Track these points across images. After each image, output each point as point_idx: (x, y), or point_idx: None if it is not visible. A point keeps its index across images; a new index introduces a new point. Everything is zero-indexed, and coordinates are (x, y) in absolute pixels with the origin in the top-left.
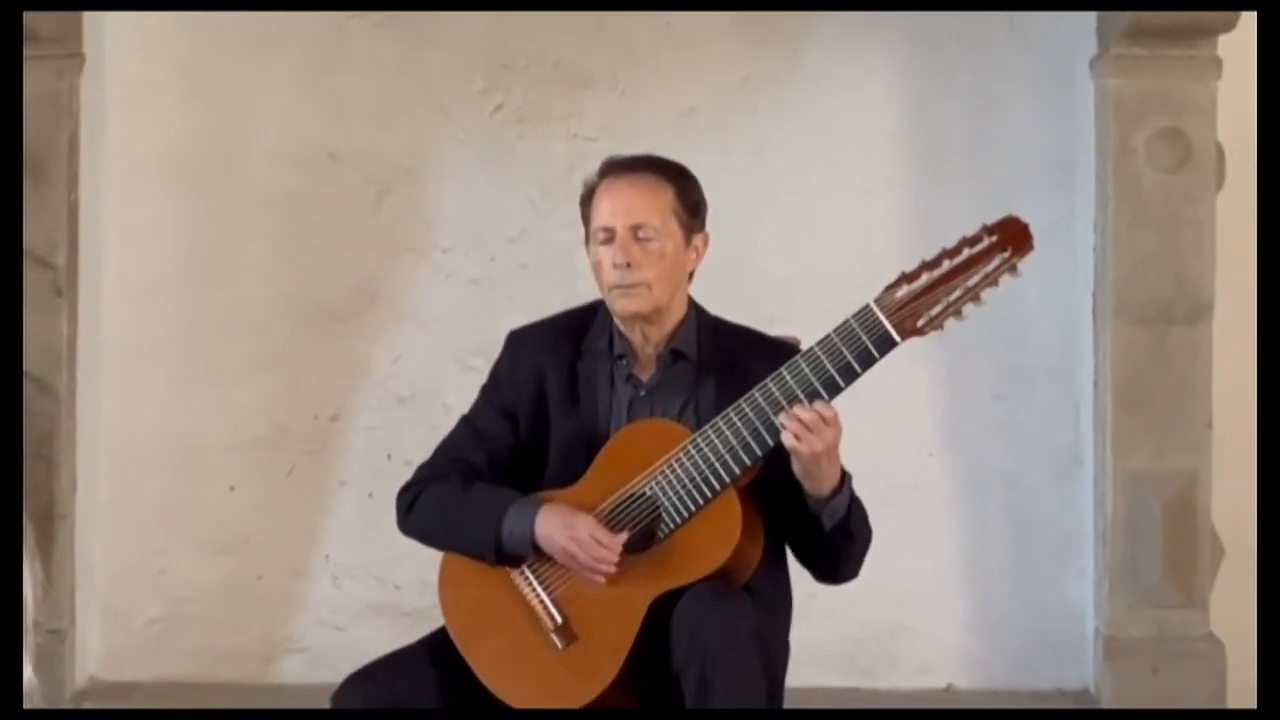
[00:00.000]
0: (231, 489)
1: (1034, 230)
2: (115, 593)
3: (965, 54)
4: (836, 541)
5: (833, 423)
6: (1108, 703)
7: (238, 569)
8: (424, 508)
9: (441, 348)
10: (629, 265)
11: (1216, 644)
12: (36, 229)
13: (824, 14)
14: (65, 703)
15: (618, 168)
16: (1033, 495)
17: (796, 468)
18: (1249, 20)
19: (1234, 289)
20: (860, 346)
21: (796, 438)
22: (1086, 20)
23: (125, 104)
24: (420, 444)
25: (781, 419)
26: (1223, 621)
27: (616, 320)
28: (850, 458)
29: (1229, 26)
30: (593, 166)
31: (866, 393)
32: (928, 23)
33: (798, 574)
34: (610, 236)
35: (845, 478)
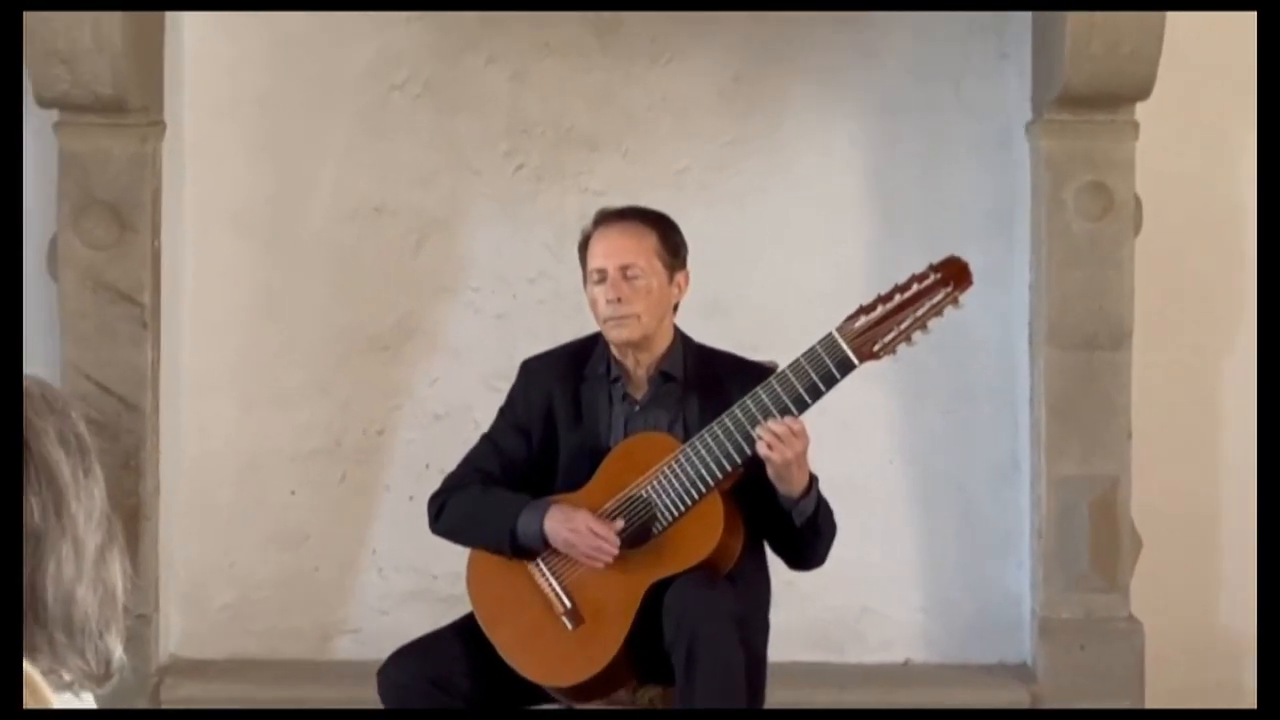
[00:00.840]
0: (292, 493)
1: (976, 270)
2: (192, 582)
3: (918, 120)
4: (805, 536)
5: (800, 435)
6: (1042, 675)
7: (297, 562)
8: (450, 513)
9: (471, 373)
10: (619, 300)
11: (1136, 624)
12: (126, 272)
13: (797, 87)
14: (151, 677)
15: (608, 217)
16: (977, 497)
17: (770, 473)
18: (1162, 87)
19: (1149, 319)
20: (824, 369)
21: (769, 447)
22: (1023, 90)
23: (200, 164)
24: (453, 455)
25: (757, 431)
26: (1141, 604)
27: (612, 348)
28: (821, 464)
29: (1145, 95)
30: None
31: (835, 410)
32: (885, 95)
33: (777, 563)
34: (603, 276)
35: (813, 481)
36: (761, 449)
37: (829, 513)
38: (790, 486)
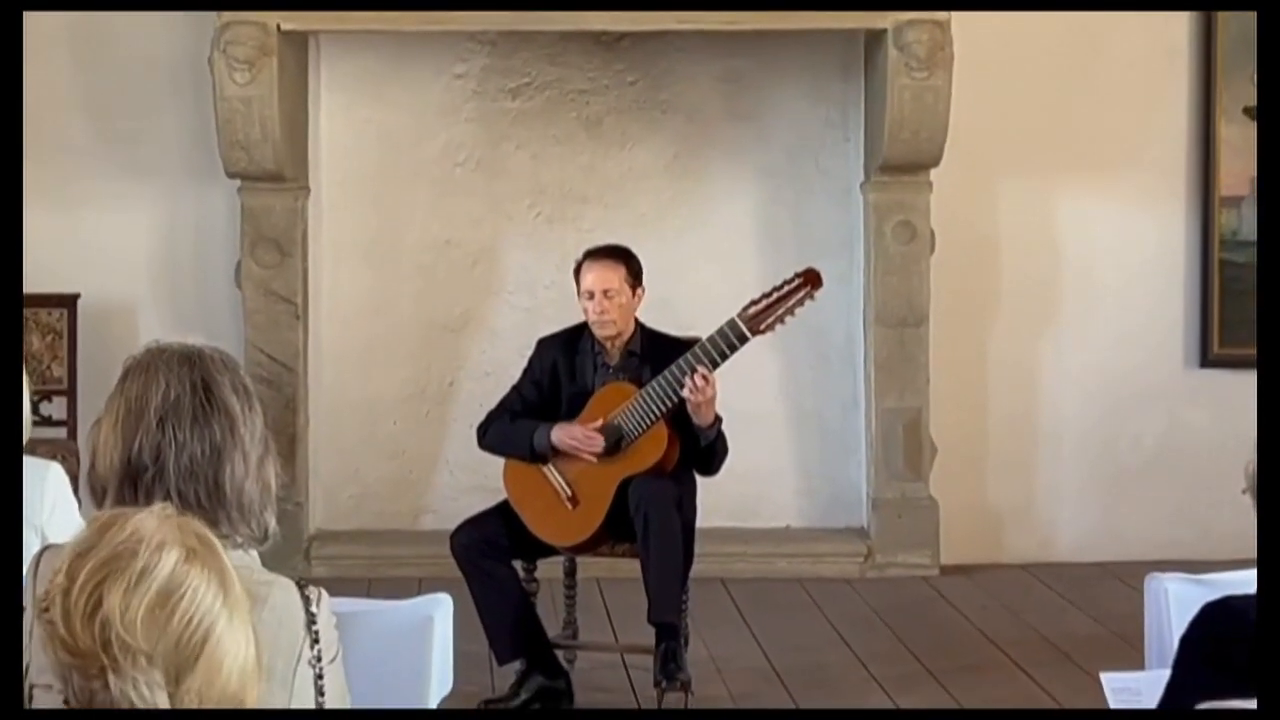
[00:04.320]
0: (394, 424)
1: (827, 276)
2: (330, 481)
3: (792, 181)
4: (706, 454)
5: (710, 383)
6: (873, 535)
7: (398, 468)
8: (491, 436)
9: (508, 346)
10: (602, 311)
11: (933, 502)
12: (285, 283)
13: (715, 161)
14: (303, 542)
15: (594, 254)
16: (833, 422)
17: (689, 409)
18: (947, 159)
19: (939, 308)
20: (729, 340)
21: (691, 392)
22: (859, 161)
23: (332, 214)
24: (496, 398)
25: (685, 380)
26: (936, 489)
27: (596, 334)
28: (733, 402)
29: (936, 163)
30: (590, 245)
31: (741, 367)
32: (771, 165)
33: None
34: (591, 295)
35: (717, 420)
36: (686, 393)
37: (725, 442)
38: (701, 420)
